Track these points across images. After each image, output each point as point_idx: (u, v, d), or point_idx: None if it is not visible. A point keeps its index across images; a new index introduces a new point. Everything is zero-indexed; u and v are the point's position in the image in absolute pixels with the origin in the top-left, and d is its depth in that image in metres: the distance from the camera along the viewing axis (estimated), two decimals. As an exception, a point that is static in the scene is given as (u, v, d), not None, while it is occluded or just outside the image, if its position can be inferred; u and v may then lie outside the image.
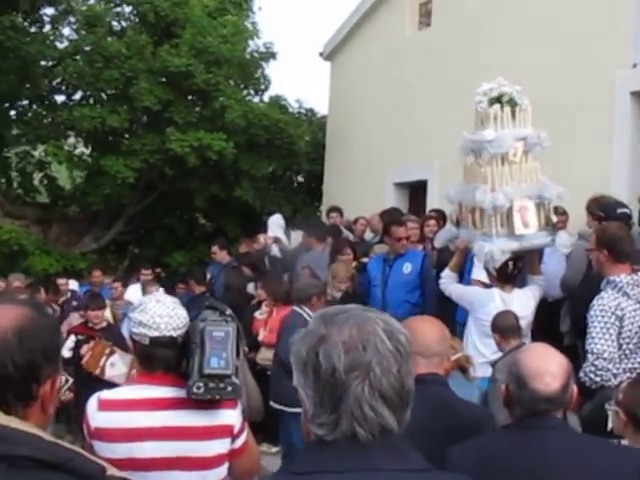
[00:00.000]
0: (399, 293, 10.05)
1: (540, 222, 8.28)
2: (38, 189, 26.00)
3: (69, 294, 14.79)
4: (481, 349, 8.05)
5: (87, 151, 23.78)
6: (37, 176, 25.92)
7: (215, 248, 14.46)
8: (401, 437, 2.08)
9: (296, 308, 9.38)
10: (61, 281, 15.03)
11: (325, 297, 9.57)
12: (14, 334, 2.04)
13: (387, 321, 2.11)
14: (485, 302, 8.38)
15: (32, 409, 2.10)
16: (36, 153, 25.37)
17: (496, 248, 8.13)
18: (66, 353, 10.11)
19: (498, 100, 8.34)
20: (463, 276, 9.45)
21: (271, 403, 9.11)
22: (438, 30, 15.47)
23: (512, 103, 8.32)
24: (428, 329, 3.89)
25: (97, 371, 9.82)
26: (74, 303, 13.96)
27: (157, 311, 3.61)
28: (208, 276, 13.82)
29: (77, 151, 23.64)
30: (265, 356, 10.84)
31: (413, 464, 2.09)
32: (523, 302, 8.39)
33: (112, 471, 2.05)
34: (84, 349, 10.13)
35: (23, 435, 1.97)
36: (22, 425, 2.00)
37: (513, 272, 8.56)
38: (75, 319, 12.17)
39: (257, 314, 11.32)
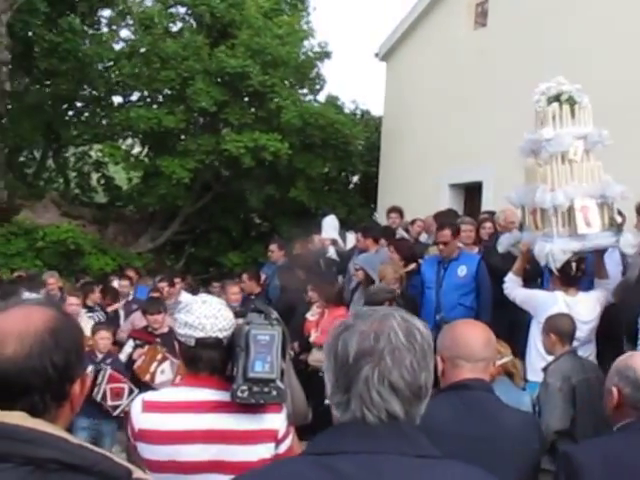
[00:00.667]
0: (453, 296, 9.94)
1: (604, 222, 8.13)
2: (95, 189, 26.33)
3: (130, 297, 14.34)
4: (544, 353, 7.89)
5: (144, 151, 23.97)
6: (94, 176, 26.24)
7: (274, 247, 14.38)
8: (413, 425, 2.18)
9: None
10: (123, 283, 14.78)
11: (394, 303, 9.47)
12: (50, 335, 2.04)
13: (406, 318, 2.23)
14: (548, 306, 8.18)
15: (63, 409, 2.10)
16: (93, 153, 25.67)
17: (557, 248, 8.00)
18: (123, 358, 10.11)
19: (557, 99, 8.22)
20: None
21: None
22: (494, 30, 15.37)
23: (571, 101, 8.19)
24: (473, 333, 3.80)
25: (147, 377, 9.66)
26: (134, 306, 13.51)
27: (203, 312, 3.57)
28: (263, 277, 13.82)
29: (134, 151, 23.85)
30: (317, 357, 10.80)
31: (424, 450, 2.16)
32: (589, 306, 8.21)
33: (137, 474, 2.04)
34: (137, 354, 9.98)
35: (50, 438, 1.96)
36: (49, 428, 1.99)
37: (576, 274, 8.40)
38: (138, 319, 11.83)
39: (308, 315, 11.28)
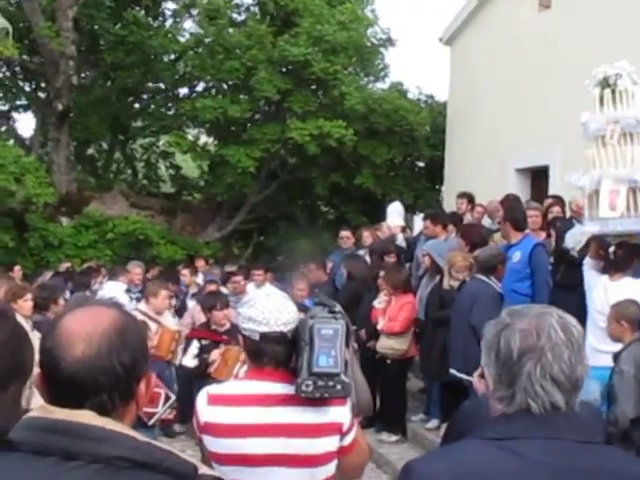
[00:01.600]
0: (507, 282, 9.55)
1: (630, 207, 7.95)
2: (163, 179, 26.59)
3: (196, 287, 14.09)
4: (589, 336, 7.71)
5: (210, 141, 24.13)
6: (162, 167, 26.52)
7: (348, 233, 14.37)
8: (574, 414, 2.33)
9: (483, 278, 9.25)
10: (184, 272, 14.80)
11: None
12: (118, 335, 2.07)
13: (561, 315, 2.36)
14: (590, 289, 8.12)
15: (130, 407, 2.13)
16: (160, 144, 25.93)
17: (579, 230, 7.95)
18: (190, 362, 8.90)
19: (606, 82, 8.10)
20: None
21: (453, 372, 9.10)
22: (558, 11, 15.12)
23: (614, 85, 8.05)
24: None
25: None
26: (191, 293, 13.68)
27: (267, 306, 3.56)
28: (329, 265, 13.80)
29: (200, 141, 24.02)
30: (385, 344, 10.80)
31: (589, 436, 2.32)
32: (634, 293, 8.01)
33: (203, 470, 2.07)
34: (214, 355, 8.40)
35: (118, 436, 2.00)
36: (117, 426, 2.03)
37: (616, 259, 8.23)
38: (197, 312, 11.21)
39: (376, 303, 11.23)
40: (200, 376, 8.34)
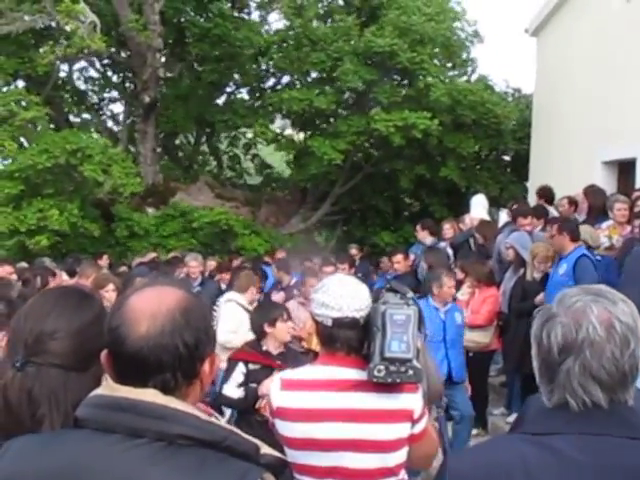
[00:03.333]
0: (552, 295, 9.37)
1: None
2: (247, 170, 26.80)
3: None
4: None
5: (295, 133, 24.24)
6: (246, 158, 26.73)
7: (418, 227, 14.39)
8: (617, 410, 2.25)
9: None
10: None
11: None
12: (182, 314, 2.10)
13: (607, 306, 2.27)
14: None
15: (193, 387, 2.15)
16: (246, 136, 26.14)
17: None
18: (233, 391, 6.91)
19: None
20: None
21: None
22: (647, 1, 14.83)
23: None
24: None
25: None
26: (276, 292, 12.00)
27: (340, 292, 3.56)
28: (411, 256, 13.77)
29: (285, 133, 24.14)
30: (468, 337, 10.64)
31: (630, 432, 2.23)
32: None
33: (265, 449, 2.09)
34: (265, 387, 6.44)
35: (181, 414, 2.03)
36: (180, 405, 2.05)
37: None
38: (295, 308, 9.86)
39: (459, 295, 11.14)
40: (245, 410, 6.83)
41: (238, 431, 2.08)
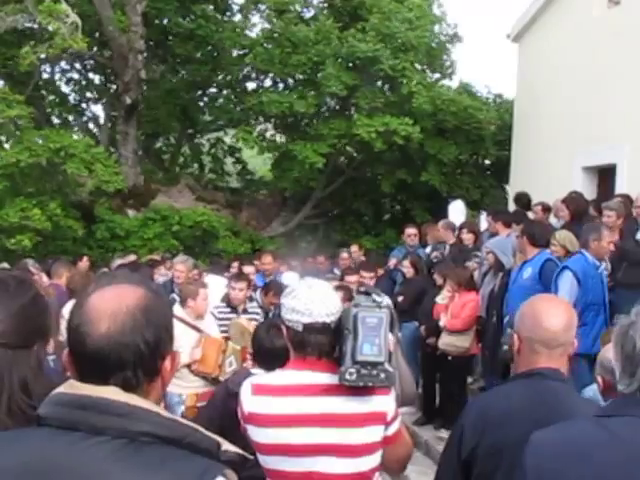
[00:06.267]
0: (516, 300, 9.14)
1: None
2: (229, 174, 26.81)
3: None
4: None
5: (277, 136, 24.24)
6: (228, 161, 26.72)
7: (411, 230, 14.36)
8: None
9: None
10: (249, 269, 12.28)
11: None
12: (142, 313, 2.11)
13: None
14: None
15: (154, 385, 2.17)
16: (227, 139, 26.14)
17: None
18: None
19: None
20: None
21: None
22: (629, 8, 14.85)
23: None
24: (555, 316, 3.62)
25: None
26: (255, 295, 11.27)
27: (310, 297, 3.53)
28: (393, 260, 13.79)
29: (267, 135, 24.12)
30: (447, 341, 10.73)
31: None
32: None
33: (226, 446, 2.11)
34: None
35: (143, 412, 2.04)
36: (142, 402, 2.07)
37: None
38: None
39: (438, 299, 11.18)
40: None
41: (199, 428, 2.09)
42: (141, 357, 2.09)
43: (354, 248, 15.37)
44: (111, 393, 2.05)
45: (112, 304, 2.11)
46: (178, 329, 8.22)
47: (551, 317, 3.58)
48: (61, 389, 2.11)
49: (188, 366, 8.14)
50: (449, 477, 3.63)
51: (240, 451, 2.15)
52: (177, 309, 8.39)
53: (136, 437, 1.99)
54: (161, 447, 1.99)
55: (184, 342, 7.71)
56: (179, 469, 1.97)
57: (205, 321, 8.76)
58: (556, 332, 3.56)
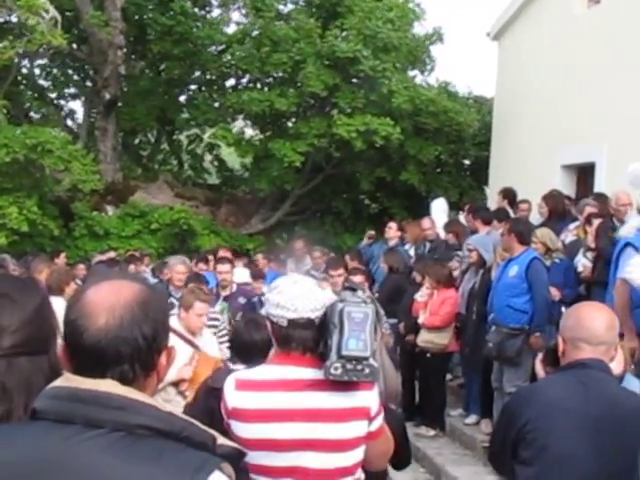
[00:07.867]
0: (502, 297, 9.40)
1: None
2: (208, 171, 26.75)
3: (234, 287, 11.13)
4: None
5: (256, 134, 24.20)
6: (207, 158, 26.68)
7: (394, 224, 14.44)
8: None
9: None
10: (223, 268, 11.12)
11: None
12: (140, 307, 2.13)
13: None
14: None
15: (151, 379, 2.19)
16: (205, 136, 26.09)
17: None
18: None
19: None
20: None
21: None
22: (609, 7, 14.90)
23: None
24: (596, 316, 3.78)
25: None
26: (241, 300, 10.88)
27: (295, 292, 3.57)
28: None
29: (246, 134, 24.08)
30: (426, 338, 10.80)
31: None
32: None
33: (222, 440, 2.12)
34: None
35: (140, 405, 2.06)
36: (139, 395, 2.08)
37: None
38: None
39: (417, 296, 11.22)
40: None
41: (196, 422, 2.11)
42: (139, 351, 2.11)
43: (317, 254, 14.67)
44: (108, 386, 2.07)
45: (110, 298, 2.13)
46: (170, 341, 7.99)
47: (593, 318, 3.78)
48: (57, 382, 2.13)
49: (176, 385, 7.29)
50: (503, 456, 3.86)
51: (236, 445, 2.18)
52: (173, 320, 7.25)
53: (133, 430, 2.00)
54: (158, 440, 2.01)
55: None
56: (176, 462, 1.98)
57: (203, 337, 8.00)
58: (598, 330, 3.72)
